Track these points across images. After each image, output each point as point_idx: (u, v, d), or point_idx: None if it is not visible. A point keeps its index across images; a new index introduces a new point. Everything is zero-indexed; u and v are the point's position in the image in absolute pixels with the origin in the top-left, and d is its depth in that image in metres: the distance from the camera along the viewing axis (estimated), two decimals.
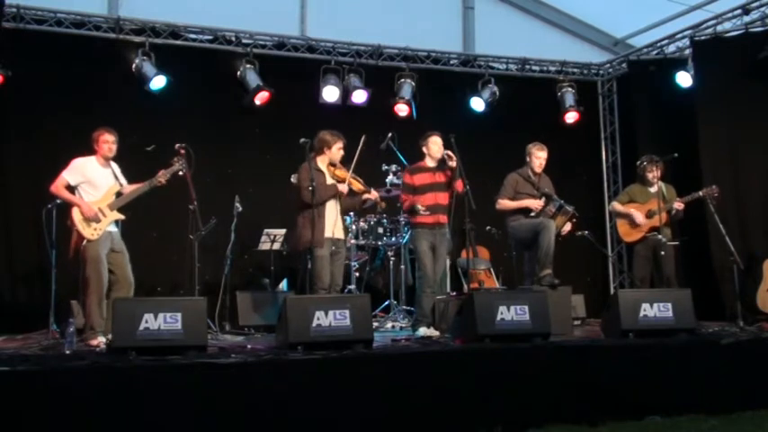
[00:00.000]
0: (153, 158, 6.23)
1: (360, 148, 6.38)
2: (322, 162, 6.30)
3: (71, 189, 5.91)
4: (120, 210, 5.99)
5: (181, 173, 6.06)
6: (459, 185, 6.35)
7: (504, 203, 6.93)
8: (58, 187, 5.87)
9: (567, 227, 6.93)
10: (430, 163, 6.65)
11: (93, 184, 5.94)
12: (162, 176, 6.00)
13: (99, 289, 5.77)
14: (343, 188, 6.25)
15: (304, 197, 6.03)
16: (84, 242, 5.76)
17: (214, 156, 8.25)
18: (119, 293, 5.80)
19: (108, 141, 6.01)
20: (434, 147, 6.60)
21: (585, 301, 8.16)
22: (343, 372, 4.50)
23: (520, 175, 7.00)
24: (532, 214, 6.80)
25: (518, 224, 6.88)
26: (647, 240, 7.14)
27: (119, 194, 6.01)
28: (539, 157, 6.98)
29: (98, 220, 5.84)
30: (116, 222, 6.01)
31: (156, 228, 7.94)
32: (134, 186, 6.07)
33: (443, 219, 6.58)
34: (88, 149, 6.04)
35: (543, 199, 6.83)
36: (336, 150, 6.30)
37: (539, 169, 7.01)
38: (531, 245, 6.80)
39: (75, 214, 5.81)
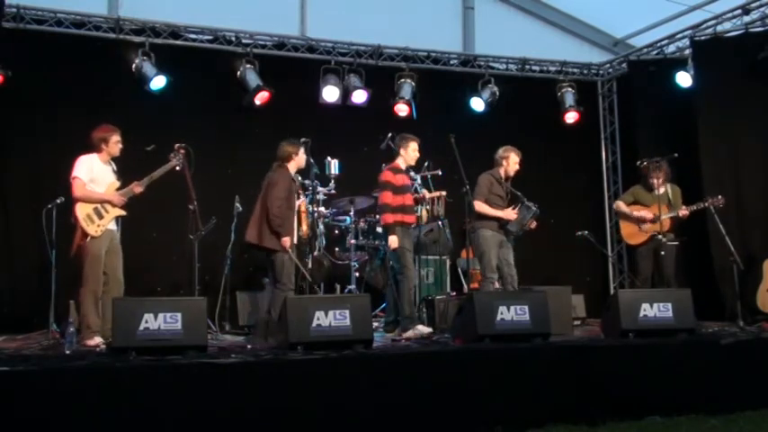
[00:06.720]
0: (153, 158, 6.22)
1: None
2: (292, 170, 6.41)
3: None
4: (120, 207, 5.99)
5: (177, 168, 6.08)
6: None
7: (483, 208, 6.76)
8: (80, 189, 5.85)
9: (533, 224, 6.86)
10: (403, 165, 6.77)
11: (97, 181, 5.96)
12: (142, 184, 6.03)
13: (95, 287, 5.79)
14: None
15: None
16: (88, 239, 5.77)
17: (214, 156, 8.25)
18: (109, 294, 5.80)
19: (119, 142, 6.07)
20: (413, 154, 6.77)
21: (585, 301, 8.16)
22: (343, 372, 4.50)
23: (492, 176, 6.92)
24: (508, 226, 6.76)
25: (479, 234, 6.78)
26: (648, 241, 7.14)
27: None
28: (516, 162, 6.89)
29: (102, 216, 5.84)
30: (116, 221, 6.02)
31: (156, 228, 7.93)
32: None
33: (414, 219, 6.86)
34: (89, 148, 6.03)
35: (517, 209, 6.76)
36: (302, 155, 6.43)
37: (513, 174, 6.94)
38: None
39: (79, 211, 5.81)
